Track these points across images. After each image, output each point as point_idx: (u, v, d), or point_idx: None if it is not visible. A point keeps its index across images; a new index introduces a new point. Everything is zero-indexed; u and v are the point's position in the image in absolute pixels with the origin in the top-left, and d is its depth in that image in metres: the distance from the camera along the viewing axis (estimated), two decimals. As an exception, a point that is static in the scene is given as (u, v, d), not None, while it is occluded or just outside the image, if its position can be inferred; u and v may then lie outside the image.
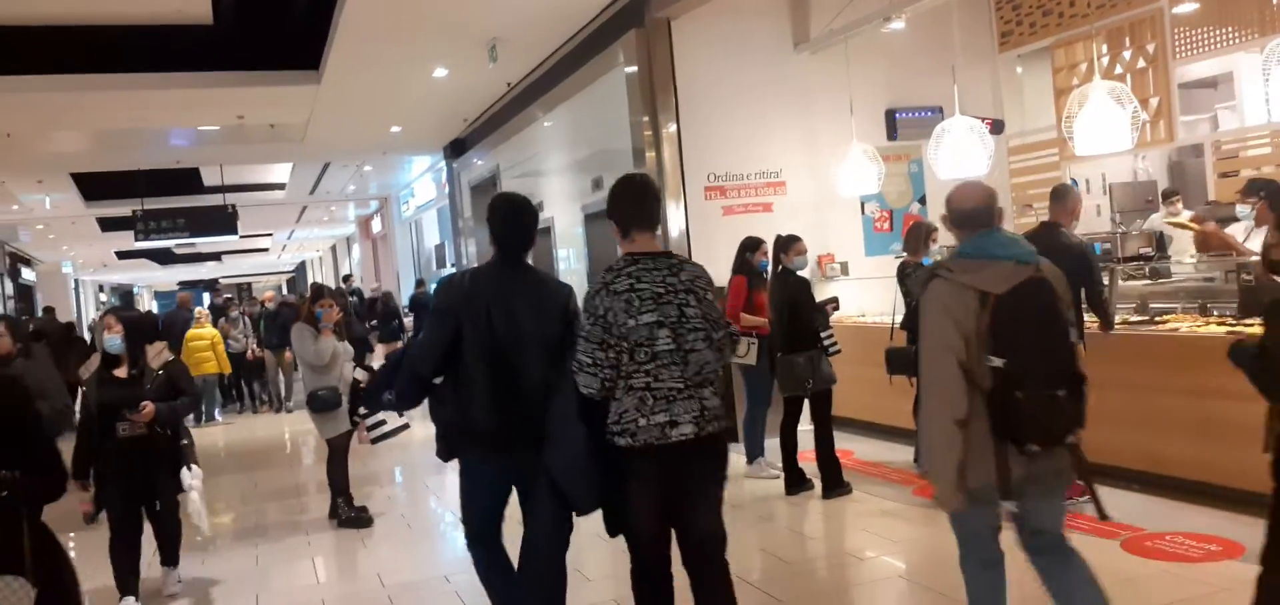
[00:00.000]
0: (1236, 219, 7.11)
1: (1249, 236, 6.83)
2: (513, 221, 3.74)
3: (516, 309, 3.60)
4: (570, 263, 10.78)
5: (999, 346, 2.89)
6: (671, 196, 8.43)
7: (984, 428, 2.92)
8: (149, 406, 4.91)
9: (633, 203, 3.38)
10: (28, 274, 27.51)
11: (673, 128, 8.46)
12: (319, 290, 7.17)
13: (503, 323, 3.57)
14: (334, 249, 34.22)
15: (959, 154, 7.70)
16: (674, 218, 8.44)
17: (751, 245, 6.84)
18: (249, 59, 10.01)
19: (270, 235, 30.03)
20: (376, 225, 24.16)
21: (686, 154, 8.49)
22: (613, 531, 3.43)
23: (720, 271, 8.02)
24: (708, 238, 8.40)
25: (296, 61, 10.15)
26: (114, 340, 5.04)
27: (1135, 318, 6.40)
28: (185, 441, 5.22)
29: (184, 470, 5.15)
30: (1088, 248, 5.68)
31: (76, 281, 35.01)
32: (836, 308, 6.70)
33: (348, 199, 22.19)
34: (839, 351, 6.46)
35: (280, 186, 19.43)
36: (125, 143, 13.41)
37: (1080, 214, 5.78)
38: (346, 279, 21.56)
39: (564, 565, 3.71)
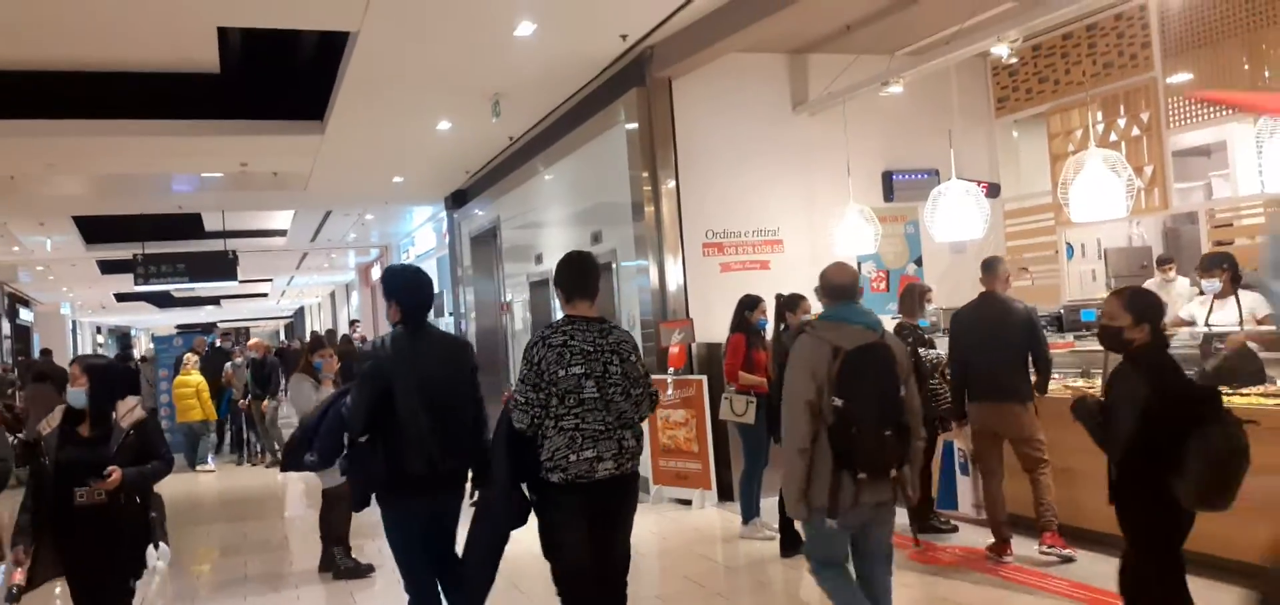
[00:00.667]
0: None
1: (1213, 309, 6.98)
2: (418, 292, 4.25)
3: (435, 364, 4.12)
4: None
5: (842, 390, 3.68)
6: (670, 251, 8.48)
7: (828, 457, 3.69)
8: (115, 473, 4.17)
9: (576, 276, 4.03)
10: (26, 315, 27.52)
11: (672, 184, 8.53)
12: (317, 340, 7.15)
13: (429, 377, 4.05)
14: (333, 295, 34.27)
15: (955, 216, 7.77)
16: (671, 273, 8.48)
17: (750, 303, 6.86)
18: (254, 108, 10.10)
19: (270, 281, 30.09)
20: (377, 273, 24.24)
21: (685, 210, 8.56)
22: (548, 555, 3.97)
23: (718, 327, 8.08)
24: (705, 293, 8.44)
25: (301, 111, 10.25)
26: (78, 394, 4.33)
27: (1130, 384, 6.40)
28: (154, 514, 4.47)
29: (150, 549, 4.37)
30: (1032, 313, 5.95)
31: (74, 323, 35.00)
32: None
33: (348, 246, 22.28)
34: None
35: (282, 233, 19.50)
36: (128, 187, 13.51)
37: (1011, 281, 6.25)
38: (354, 325, 21.58)
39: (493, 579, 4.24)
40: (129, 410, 4.42)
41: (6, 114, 9.25)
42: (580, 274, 4.03)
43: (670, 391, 7.95)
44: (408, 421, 3.97)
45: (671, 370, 8.04)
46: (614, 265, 9.39)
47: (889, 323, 6.27)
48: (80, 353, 35.53)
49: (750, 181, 8.76)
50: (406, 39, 7.70)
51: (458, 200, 15.15)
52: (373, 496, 4.14)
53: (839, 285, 3.99)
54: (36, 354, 25.84)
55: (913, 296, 6.75)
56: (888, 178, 9.26)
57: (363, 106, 9.49)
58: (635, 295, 8.92)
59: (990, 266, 6.09)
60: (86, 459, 4.21)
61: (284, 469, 5.84)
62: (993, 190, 9.18)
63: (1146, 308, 3.74)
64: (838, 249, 8.56)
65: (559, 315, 4.05)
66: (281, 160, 11.96)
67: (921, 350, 6.46)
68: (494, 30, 7.61)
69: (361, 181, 13.82)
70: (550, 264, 11.32)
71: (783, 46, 8.89)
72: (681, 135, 8.57)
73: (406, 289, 4.20)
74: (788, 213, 8.87)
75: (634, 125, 8.63)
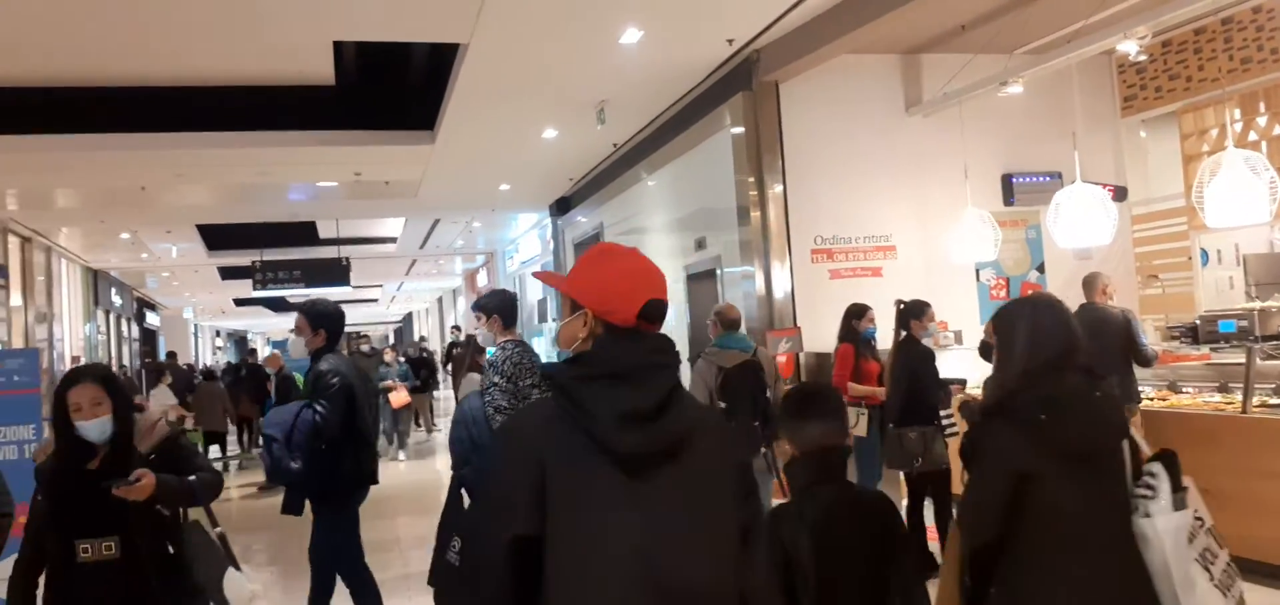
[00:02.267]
0: None
1: None
2: (341, 321, 5.16)
3: (364, 380, 5.05)
4: (670, 321, 10.73)
5: (724, 397, 5.51)
6: (776, 258, 8.34)
7: None
8: (147, 477, 3.09)
9: (513, 309, 5.05)
10: (152, 318, 28.94)
11: (779, 188, 8.39)
12: (474, 341, 7.27)
13: (366, 390, 5.00)
14: (440, 301, 35.03)
15: (1080, 221, 7.43)
16: (779, 279, 8.33)
17: (857, 312, 6.71)
18: (368, 119, 10.35)
19: (381, 286, 30.94)
20: (482, 279, 24.66)
21: (792, 216, 8.40)
22: None
23: (826, 336, 7.91)
24: (812, 301, 8.27)
25: (413, 122, 10.46)
26: (99, 425, 3.17)
27: (1275, 400, 5.99)
28: (218, 530, 3.49)
29: (230, 572, 3.36)
30: (1129, 315, 6.58)
31: (196, 326, 36.66)
32: (963, 390, 6.26)
33: (455, 253, 22.72)
34: (956, 434, 6.06)
35: (392, 240, 20.01)
36: (248, 196, 14.01)
37: (1111, 292, 6.77)
38: (455, 330, 22.12)
39: None
40: (150, 427, 3.38)
41: (141, 127, 9.69)
42: (515, 308, 5.06)
43: (778, 401, 7.80)
44: (366, 428, 4.90)
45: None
46: (718, 271, 9.29)
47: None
48: (205, 356, 37.13)
49: (861, 186, 8.55)
50: (515, 49, 7.77)
51: (562, 207, 15.28)
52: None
53: (731, 320, 5.98)
54: (163, 356, 27.17)
55: None
56: (1007, 181, 8.91)
57: (472, 116, 9.62)
58: (740, 302, 8.77)
59: (1089, 282, 6.69)
60: (94, 503, 3.11)
61: (270, 483, 5.94)
62: (1119, 193, 8.75)
63: None
64: (954, 255, 8.28)
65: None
66: (393, 169, 12.23)
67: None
68: (600, 38, 7.61)
69: (469, 189, 14.05)
70: (654, 271, 11.28)
71: (895, 47, 8.66)
72: (789, 139, 8.42)
73: (332, 318, 5.08)
74: (900, 218, 8.62)
75: (740, 129, 8.52)
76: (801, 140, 8.44)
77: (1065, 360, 2.64)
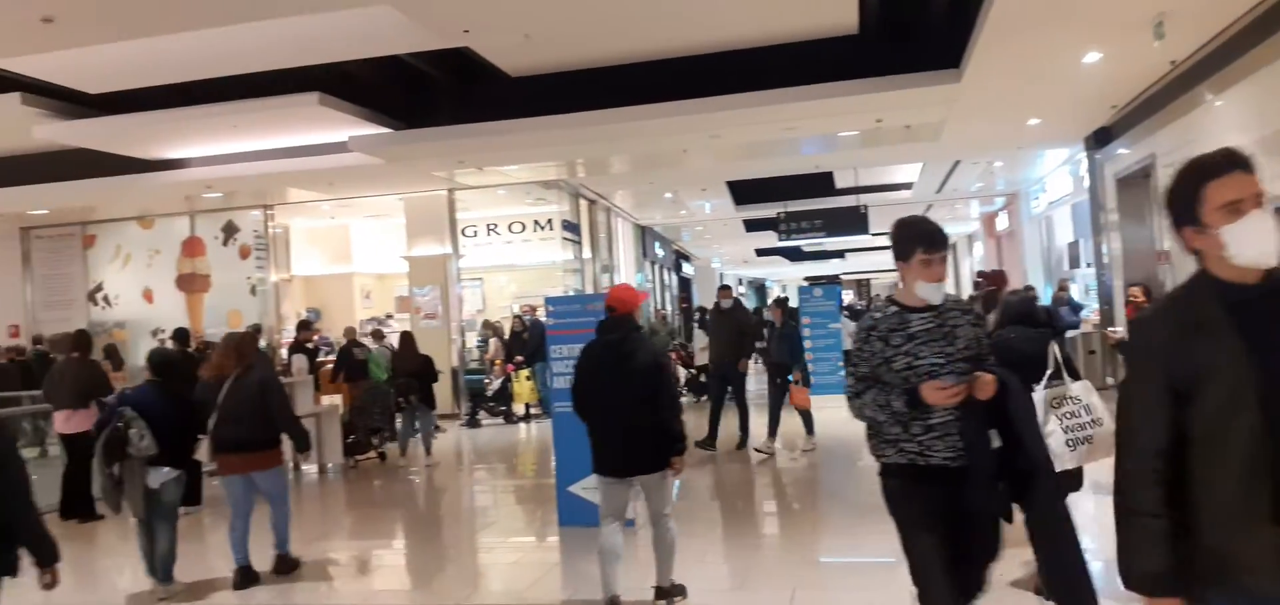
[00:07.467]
0: None
1: None
2: None
3: None
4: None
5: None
6: None
7: None
8: None
9: None
10: (687, 268, 31.98)
11: None
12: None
13: None
14: (954, 246, 33.98)
15: None
16: None
17: None
18: (890, 64, 10.22)
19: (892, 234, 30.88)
20: (1001, 222, 23.36)
21: None
22: None
23: None
24: None
25: (936, 61, 10.10)
26: None
27: None
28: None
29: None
30: None
31: (721, 275, 39.77)
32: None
33: (973, 196, 21.81)
34: None
35: (908, 186, 19.72)
36: (770, 150, 14.70)
37: None
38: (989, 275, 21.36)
39: None
40: None
41: (682, 94, 10.60)
42: None
43: None
44: None
45: None
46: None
47: None
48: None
49: None
50: (1058, -34, 7.07)
51: (1100, 139, 13.79)
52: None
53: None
54: (696, 301, 29.91)
55: None
56: None
57: (1003, 47, 8.99)
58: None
59: None
60: None
61: None
62: None
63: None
64: None
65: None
66: (914, 112, 11.94)
67: None
68: (1166, -61, 6.62)
69: (993, 128, 13.32)
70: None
71: None
72: None
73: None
74: None
75: (1355, 27, 6.88)
76: None
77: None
